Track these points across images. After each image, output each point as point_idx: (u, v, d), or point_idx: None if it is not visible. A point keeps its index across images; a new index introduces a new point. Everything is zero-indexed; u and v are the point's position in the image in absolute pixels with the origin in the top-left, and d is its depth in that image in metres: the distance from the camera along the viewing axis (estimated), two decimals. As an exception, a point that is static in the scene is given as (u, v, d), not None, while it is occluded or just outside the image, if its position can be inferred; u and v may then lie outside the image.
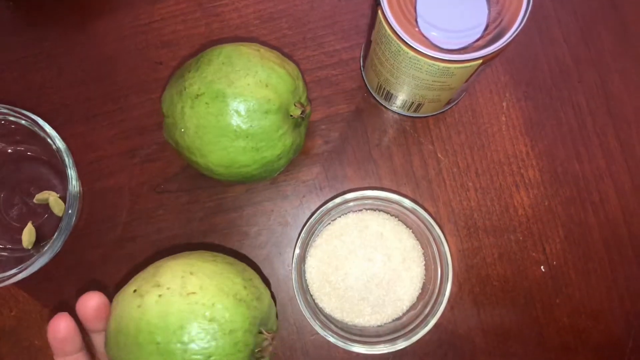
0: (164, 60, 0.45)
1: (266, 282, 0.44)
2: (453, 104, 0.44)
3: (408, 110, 0.43)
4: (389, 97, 0.42)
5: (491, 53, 0.32)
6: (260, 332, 0.33)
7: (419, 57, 0.33)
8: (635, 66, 0.46)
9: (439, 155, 0.45)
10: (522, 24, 0.32)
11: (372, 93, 0.45)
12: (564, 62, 0.46)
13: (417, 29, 0.33)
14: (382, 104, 0.45)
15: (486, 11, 0.33)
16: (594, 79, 0.46)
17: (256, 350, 0.33)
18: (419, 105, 0.42)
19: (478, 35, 0.33)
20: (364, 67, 0.45)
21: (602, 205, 0.44)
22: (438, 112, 0.45)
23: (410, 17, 0.33)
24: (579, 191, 0.45)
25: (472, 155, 0.45)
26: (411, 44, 0.32)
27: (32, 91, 0.45)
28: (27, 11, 0.46)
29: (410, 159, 0.45)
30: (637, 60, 0.46)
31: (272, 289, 0.43)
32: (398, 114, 0.45)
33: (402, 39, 0.33)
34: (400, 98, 0.41)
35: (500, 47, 0.32)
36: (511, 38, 0.32)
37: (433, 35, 0.33)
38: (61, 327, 0.33)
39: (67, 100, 0.45)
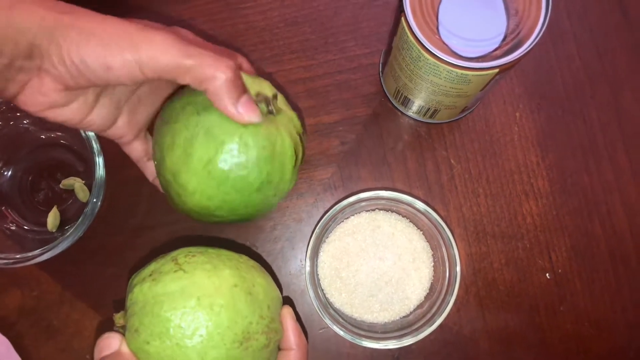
0: (190, 57, 0.47)
1: (275, 279, 0.45)
2: (468, 112, 0.46)
3: (424, 116, 0.45)
4: (406, 102, 0.44)
5: (508, 63, 0.34)
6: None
7: (439, 63, 0.34)
8: (646, 84, 0.47)
9: (452, 161, 0.46)
10: (539, 37, 0.34)
11: (390, 98, 0.46)
12: (577, 76, 0.47)
13: (437, 37, 0.34)
14: (398, 109, 0.46)
15: (505, 22, 0.34)
16: (607, 94, 0.47)
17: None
18: (435, 112, 0.43)
19: (496, 45, 0.34)
20: (382, 72, 0.46)
21: (609, 217, 0.45)
22: (453, 119, 0.46)
23: (432, 25, 0.34)
24: (586, 203, 0.46)
25: (484, 163, 0.46)
26: (432, 50, 0.34)
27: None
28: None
29: (423, 163, 0.46)
30: (649, 79, 0.47)
31: (285, 282, 0.45)
32: (414, 119, 0.46)
33: (423, 45, 0.34)
34: (417, 104, 0.43)
35: (517, 57, 0.34)
36: (528, 49, 0.34)
37: (453, 43, 0.34)
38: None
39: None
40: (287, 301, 0.44)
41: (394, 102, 0.46)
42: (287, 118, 0.37)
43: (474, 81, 0.36)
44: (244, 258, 0.36)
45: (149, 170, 0.40)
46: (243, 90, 0.33)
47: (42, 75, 0.30)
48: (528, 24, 0.34)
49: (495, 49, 0.34)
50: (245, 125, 0.33)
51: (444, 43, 0.34)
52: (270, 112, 0.35)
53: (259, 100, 0.35)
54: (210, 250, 0.35)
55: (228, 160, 0.34)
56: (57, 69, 0.30)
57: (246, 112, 0.32)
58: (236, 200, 0.35)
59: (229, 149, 0.33)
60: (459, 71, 0.34)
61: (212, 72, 0.31)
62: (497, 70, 0.34)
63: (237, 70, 0.32)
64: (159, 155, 0.36)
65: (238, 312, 0.32)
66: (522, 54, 0.34)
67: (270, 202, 0.37)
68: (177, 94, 0.37)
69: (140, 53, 0.30)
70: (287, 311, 0.37)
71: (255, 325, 0.33)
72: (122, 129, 0.37)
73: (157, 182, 0.40)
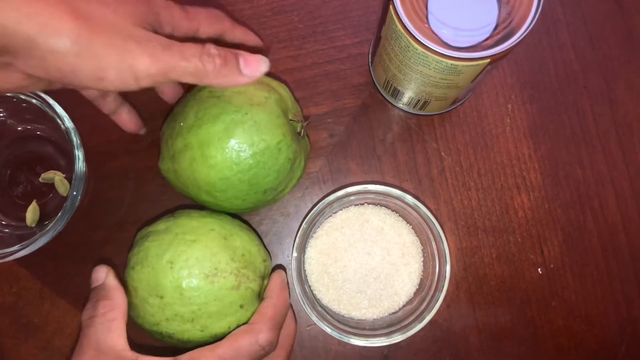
0: (174, 47, 0.46)
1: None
2: (459, 103, 0.45)
3: (414, 107, 0.44)
4: (395, 93, 0.43)
5: (499, 53, 0.33)
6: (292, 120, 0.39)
7: (428, 53, 0.33)
8: (641, 75, 0.46)
9: (443, 153, 0.45)
10: (532, 26, 0.33)
11: (379, 89, 0.45)
12: (570, 67, 0.46)
13: (427, 26, 0.33)
14: (388, 101, 0.45)
15: (496, 11, 0.33)
16: (600, 85, 0.46)
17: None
18: (425, 103, 0.42)
19: (487, 35, 0.33)
20: (372, 63, 0.45)
21: (602, 210, 0.45)
22: (443, 111, 0.45)
23: (421, 14, 0.33)
24: (579, 196, 0.45)
25: (475, 155, 0.45)
26: (421, 40, 0.33)
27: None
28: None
29: (413, 156, 0.45)
30: (643, 69, 0.46)
31: (271, 278, 0.44)
32: (404, 111, 0.45)
33: (412, 35, 0.33)
34: (407, 95, 0.42)
35: (509, 47, 0.33)
36: (519, 39, 0.33)
37: (443, 32, 0.33)
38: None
39: (77, 82, 0.45)
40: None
41: (383, 94, 0.45)
42: (306, 144, 0.41)
43: (465, 72, 0.35)
44: (238, 220, 0.40)
45: (106, 107, 0.40)
46: (234, 56, 0.31)
47: (10, 69, 0.27)
48: (520, 12, 0.33)
49: (487, 39, 0.33)
50: (285, 133, 0.37)
51: (434, 32, 0.33)
52: (299, 134, 0.40)
53: (298, 119, 0.40)
54: (209, 211, 0.39)
55: (259, 156, 0.36)
56: (33, 71, 0.27)
57: (255, 70, 0.31)
58: (242, 191, 0.37)
59: (266, 147, 0.36)
60: (449, 62, 0.33)
61: (200, 64, 0.30)
62: (488, 60, 0.33)
63: (213, 47, 0.30)
64: (191, 119, 0.37)
65: (208, 249, 0.36)
66: (514, 44, 0.33)
67: (263, 205, 0.40)
68: None
69: (135, 61, 0.28)
70: (279, 271, 0.39)
71: (224, 264, 0.35)
72: None
73: (115, 117, 0.40)
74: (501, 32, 0.33)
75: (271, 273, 0.40)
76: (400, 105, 0.45)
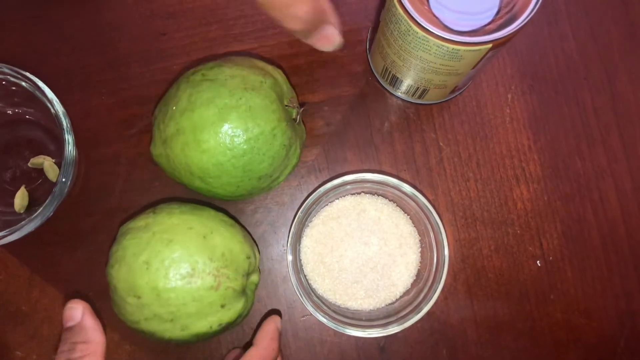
0: (168, 31, 0.45)
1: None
2: (458, 92, 0.44)
3: (413, 96, 0.43)
4: (394, 81, 0.42)
5: (502, 37, 0.32)
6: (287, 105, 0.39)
7: (429, 37, 0.33)
8: (642, 66, 0.46)
9: (441, 143, 0.44)
10: (535, 10, 0.32)
11: (377, 77, 0.44)
12: (571, 57, 0.45)
13: (427, 8, 0.32)
14: (386, 89, 0.45)
15: (499, -6, 0.33)
16: (601, 76, 0.45)
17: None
18: (424, 91, 0.41)
19: (489, 19, 0.33)
20: (370, 50, 0.44)
21: (602, 203, 0.44)
22: (442, 100, 0.44)
23: (422, -4, 0.32)
24: (579, 188, 0.44)
25: (474, 145, 0.44)
26: (421, 23, 0.32)
27: (33, 54, 0.44)
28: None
29: (411, 145, 0.44)
30: (644, 61, 0.46)
31: (266, 268, 0.43)
32: (402, 99, 0.45)
33: (413, 18, 0.32)
34: (406, 83, 0.41)
35: (511, 32, 0.32)
36: (522, 24, 0.32)
37: (444, 15, 0.32)
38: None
39: (68, 66, 0.44)
40: (276, 313, 0.43)
41: (381, 82, 0.44)
42: (302, 131, 0.41)
43: (466, 57, 0.34)
44: (222, 215, 0.39)
45: None
46: (320, 20, 0.33)
47: None
48: (523, -4, 0.33)
49: (489, 23, 0.33)
50: (280, 119, 0.36)
51: (435, 16, 0.32)
52: (294, 119, 0.39)
53: (293, 105, 0.39)
54: (192, 204, 0.38)
55: (253, 141, 0.35)
56: None
57: (324, 44, 0.34)
58: (236, 178, 0.37)
59: (260, 133, 0.35)
60: (450, 46, 0.33)
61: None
62: (490, 45, 0.32)
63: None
64: (184, 103, 0.36)
65: (186, 249, 0.35)
66: (516, 29, 0.32)
67: (258, 192, 0.40)
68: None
69: None
70: (273, 317, 0.39)
71: (202, 265, 0.35)
72: None
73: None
74: (504, 17, 0.32)
75: (265, 319, 0.39)
76: (399, 94, 0.44)
